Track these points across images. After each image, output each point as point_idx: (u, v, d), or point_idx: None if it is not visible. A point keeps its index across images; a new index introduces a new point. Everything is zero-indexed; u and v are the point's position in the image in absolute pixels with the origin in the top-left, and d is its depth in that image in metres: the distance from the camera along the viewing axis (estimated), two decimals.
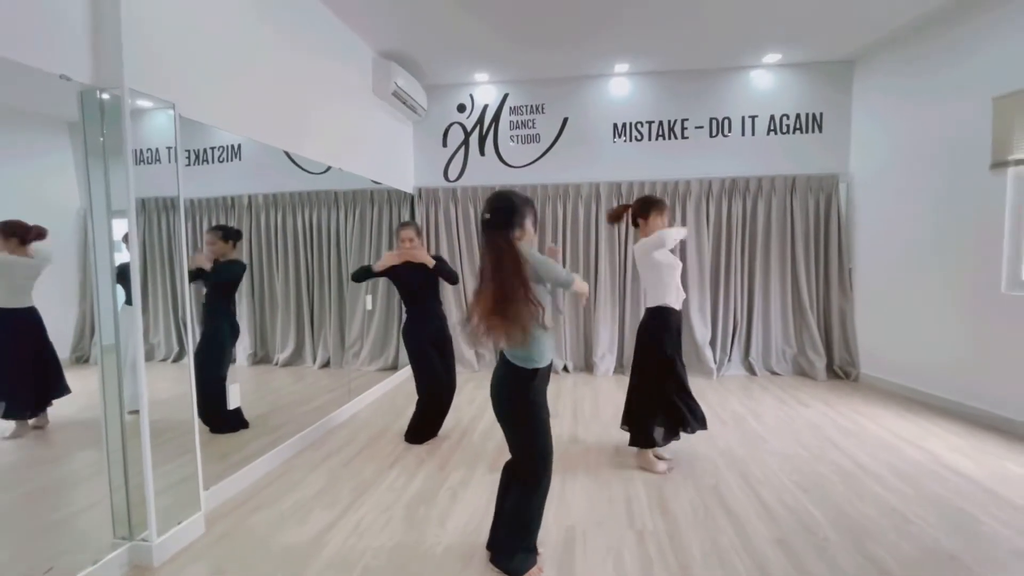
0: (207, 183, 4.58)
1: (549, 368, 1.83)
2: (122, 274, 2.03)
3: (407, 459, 2.96)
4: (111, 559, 1.90)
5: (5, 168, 1.94)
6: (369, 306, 4.82)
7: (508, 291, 1.64)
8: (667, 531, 2.16)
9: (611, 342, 4.92)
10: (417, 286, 3.28)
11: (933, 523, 2.20)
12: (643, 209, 2.77)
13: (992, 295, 3.34)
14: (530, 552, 1.87)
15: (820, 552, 2.00)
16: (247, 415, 3.70)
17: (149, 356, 4.54)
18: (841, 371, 4.57)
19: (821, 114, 4.61)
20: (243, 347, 4.87)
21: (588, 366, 4.99)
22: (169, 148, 4.46)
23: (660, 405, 2.71)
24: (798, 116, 4.64)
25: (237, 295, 4.94)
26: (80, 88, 1.91)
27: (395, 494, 2.53)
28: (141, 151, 4.26)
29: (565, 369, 4.95)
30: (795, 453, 2.95)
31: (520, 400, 1.77)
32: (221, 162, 4.50)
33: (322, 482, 2.70)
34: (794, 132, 4.65)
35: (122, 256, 2.03)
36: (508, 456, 1.91)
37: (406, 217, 5.10)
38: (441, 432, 3.38)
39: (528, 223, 1.81)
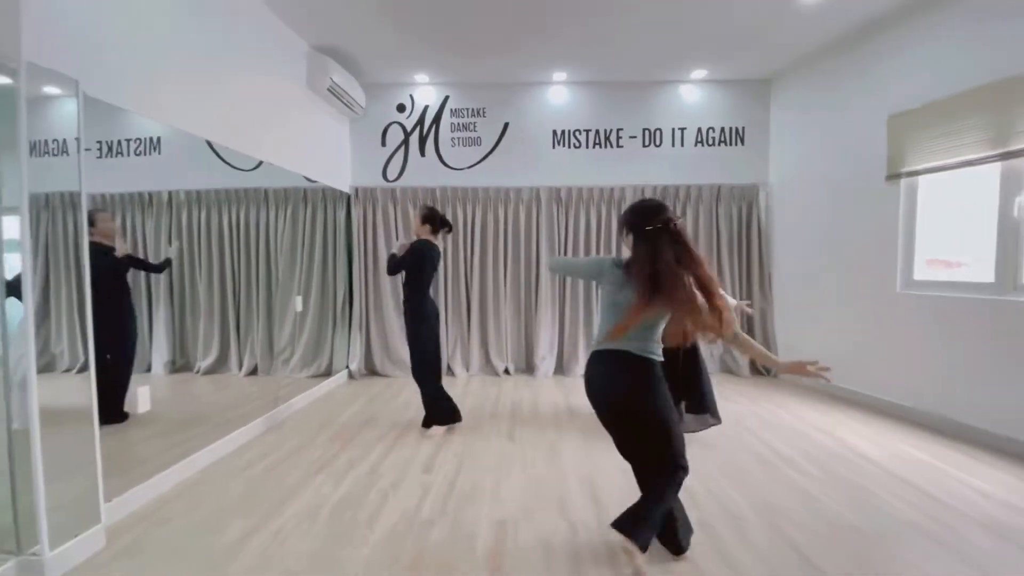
0: (123, 178, 4.24)
1: None
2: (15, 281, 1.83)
3: (336, 464, 2.83)
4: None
5: None
6: (299, 307, 4.60)
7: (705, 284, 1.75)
8: (597, 519, 2.19)
9: (551, 344, 4.98)
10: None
11: (838, 500, 2.37)
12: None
13: (889, 294, 3.68)
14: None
15: (737, 531, 2.10)
16: (162, 423, 3.43)
17: (51, 367, 4.11)
18: (763, 368, 4.86)
19: (743, 128, 4.93)
20: (160, 355, 4.51)
21: (529, 368, 5.01)
22: (78, 138, 4.11)
23: None
24: (723, 129, 4.94)
25: (153, 298, 4.58)
26: None
27: (321, 499, 2.41)
28: (45, 141, 3.90)
29: (506, 371, 4.95)
30: (718, 443, 3.09)
31: (665, 392, 1.84)
32: (138, 155, 4.19)
33: (241, 490, 2.53)
34: (719, 144, 4.95)
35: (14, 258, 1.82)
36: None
37: (341, 217, 4.95)
38: (374, 435, 3.27)
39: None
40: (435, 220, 3.35)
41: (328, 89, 4.14)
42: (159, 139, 4.05)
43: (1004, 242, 2.99)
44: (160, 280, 4.57)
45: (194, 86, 3.04)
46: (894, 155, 3.62)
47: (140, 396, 2.53)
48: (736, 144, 4.95)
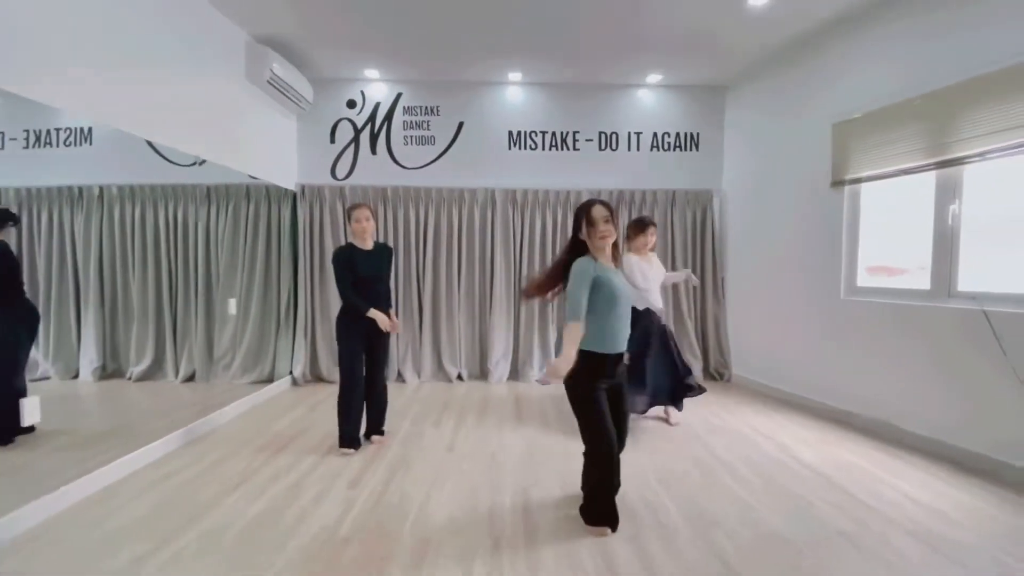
0: (51, 170, 3.95)
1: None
2: None
3: (257, 478, 2.65)
4: None
5: None
6: (233, 310, 4.38)
7: None
8: (525, 536, 2.09)
9: (506, 349, 4.88)
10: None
11: (773, 509, 2.33)
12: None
13: (833, 301, 3.71)
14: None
15: (667, 544, 2.02)
16: (73, 435, 3.18)
17: None
18: (716, 373, 4.87)
19: (698, 134, 4.95)
20: (88, 360, 4.22)
21: (483, 373, 4.89)
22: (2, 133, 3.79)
23: None
24: (678, 135, 4.95)
25: (82, 299, 4.29)
26: None
27: (233, 517, 2.24)
28: None
29: (459, 377, 4.82)
30: (661, 449, 3.03)
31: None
32: (68, 146, 3.91)
33: (147, 508, 2.33)
34: (674, 149, 4.95)
35: None
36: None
37: (286, 215, 4.74)
38: (306, 446, 3.10)
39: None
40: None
41: (268, 81, 3.95)
42: (90, 129, 3.79)
43: (939, 249, 3.04)
44: (90, 280, 4.29)
45: (120, 78, 2.87)
46: (838, 162, 3.66)
47: (28, 407, 2.29)
48: (691, 150, 4.96)
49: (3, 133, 3.69)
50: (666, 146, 4.95)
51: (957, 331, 2.88)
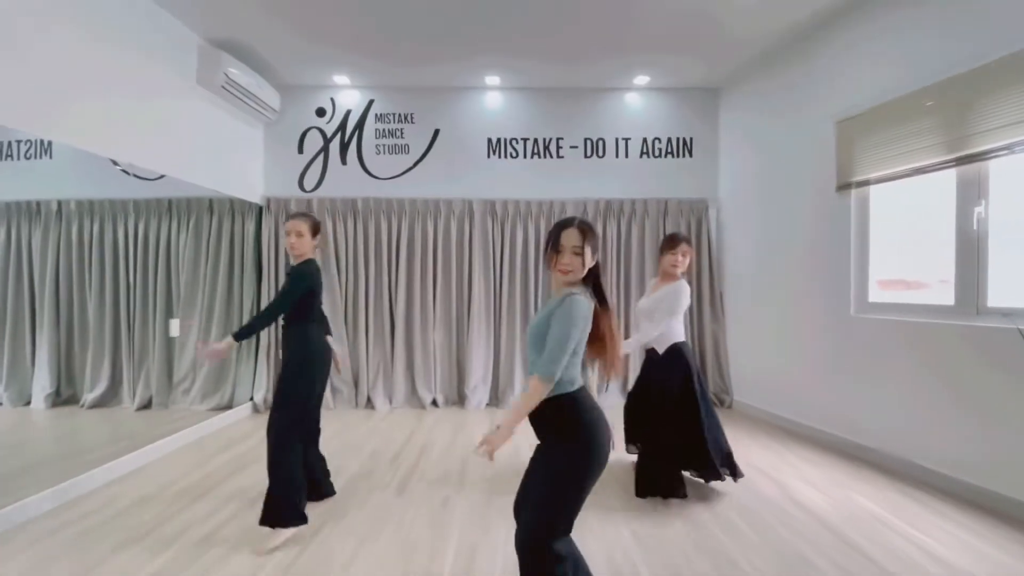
0: (9, 183, 3.73)
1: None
2: None
3: (164, 530, 2.29)
4: None
5: None
6: (175, 332, 4.08)
7: None
8: None
9: (485, 372, 4.50)
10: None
11: (765, 571, 1.90)
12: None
13: (843, 318, 3.29)
14: None
15: None
16: None
17: None
18: (716, 398, 4.43)
19: (691, 139, 4.60)
20: (41, 386, 3.93)
21: (460, 398, 4.51)
22: None
23: None
24: (669, 140, 4.60)
25: (37, 319, 4.02)
26: None
27: None
28: None
29: (434, 403, 4.45)
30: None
31: None
32: (28, 159, 3.69)
33: (29, 564, 1.98)
34: (666, 156, 4.60)
35: None
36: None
37: (251, 229, 4.46)
38: (235, 488, 2.74)
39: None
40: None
41: (223, 86, 3.70)
42: (50, 142, 3.56)
43: (963, 259, 2.63)
44: (46, 299, 4.02)
45: (66, 91, 2.66)
46: (843, 164, 3.27)
47: None
48: (684, 156, 4.61)
49: None
50: (657, 152, 4.60)
51: (987, 353, 2.46)
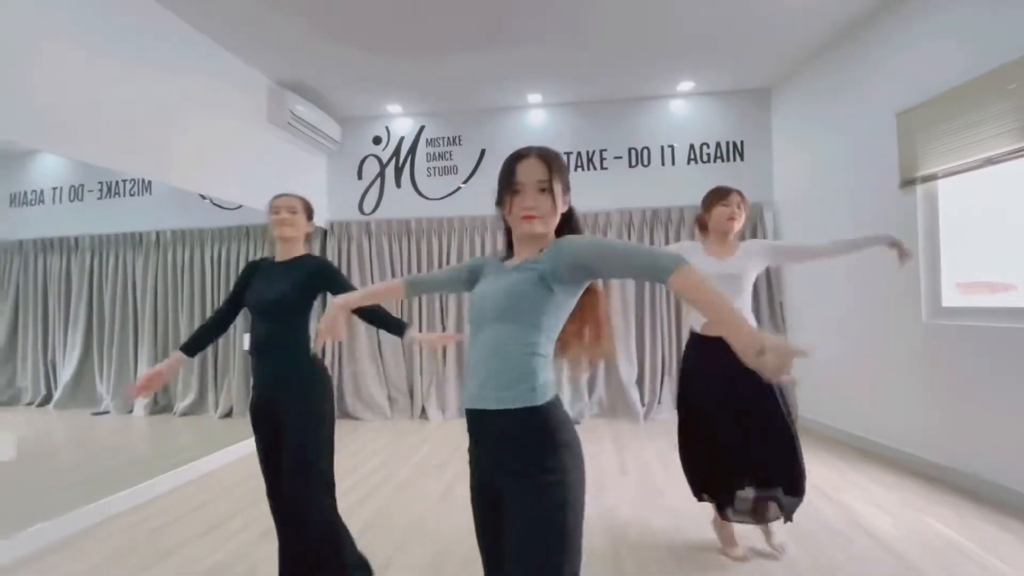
0: (117, 218, 4.35)
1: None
2: None
3: (232, 524, 2.53)
4: None
5: None
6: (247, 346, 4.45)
7: None
8: None
9: None
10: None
11: None
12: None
13: (913, 325, 3.02)
14: None
15: None
16: (84, 465, 3.31)
17: (16, 400, 4.08)
18: None
19: (742, 142, 4.44)
20: (141, 396, 4.47)
21: None
22: (55, 188, 4.22)
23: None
24: (718, 145, 4.47)
25: (139, 336, 4.60)
26: None
27: (183, 569, 2.10)
28: (24, 193, 3.97)
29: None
30: (686, 510, 2.52)
31: None
32: (132, 196, 4.29)
33: (131, 539, 2.27)
34: (715, 161, 4.47)
35: None
36: None
37: (316, 251, 4.84)
38: None
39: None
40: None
41: (289, 123, 4.09)
42: (150, 181, 4.12)
43: None
44: (146, 319, 4.60)
45: (163, 137, 3.11)
46: (906, 158, 3.04)
47: (3, 444, 2.35)
48: (734, 160, 4.45)
49: (83, 186, 4.14)
50: (705, 158, 4.49)
51: None
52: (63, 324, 4.36)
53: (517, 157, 1.10)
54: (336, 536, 1.70)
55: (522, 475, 0.95)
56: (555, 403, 1.00)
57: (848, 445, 3.51)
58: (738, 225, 2.07)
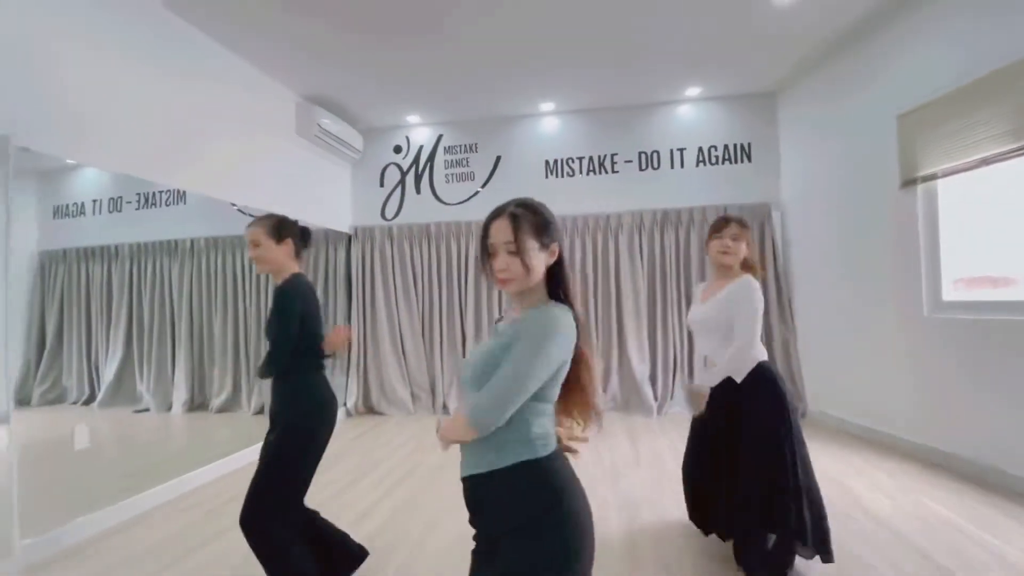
0: (154, 227, 4.64)
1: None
2: None
3: None
4: None
5: None
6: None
7: None
8: None
9: None
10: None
11: (815, 571, 1.94)
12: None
13: (916, 319, 3.14)
14: None
15: None
16: (127, 460, 3.55)
17: (61, 398, 4.41)
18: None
19: (749, 144, 4.59)
20: (179, 394, 4.77)
21: None
22: (95, 200, 4.54)
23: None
24: (726, 147, 4.62)
25: (176, 342, 4.90)
26: None
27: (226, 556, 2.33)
28: (66, 205, 4.31)
29: None
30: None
31: None
32: (168, 206, 4.58)
33: (172, 528, 2.51)
34: (723, 163, 4.62)
35: None
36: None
37: (341, 256, 5.09)
38: (336, 475, 3.17)
39: None
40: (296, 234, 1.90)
41: (316, 135, 4.34)
42: (184, 191, 4.41)
43: None
44: (182, 322, 4.89)
45: (197, 150, 3.33)
46: (907, 159, 3.17)
47: (78, 434, 2.61)
48: (742, 162, 4.59)
49: (121, 198, 4.45)
50: (714, 160, 4.64)
51: None
52: (105, 327, 4.65)
53: (492, 216, 1.09)
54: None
55: (488, 538, 1.01)
56: (534, 465, 0.97)
57: (852, 435, 3.63)
58: (733, 259, 1.99)
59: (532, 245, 1.02)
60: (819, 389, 4.14)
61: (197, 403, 4.90)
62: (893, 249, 3.32)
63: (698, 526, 2.15)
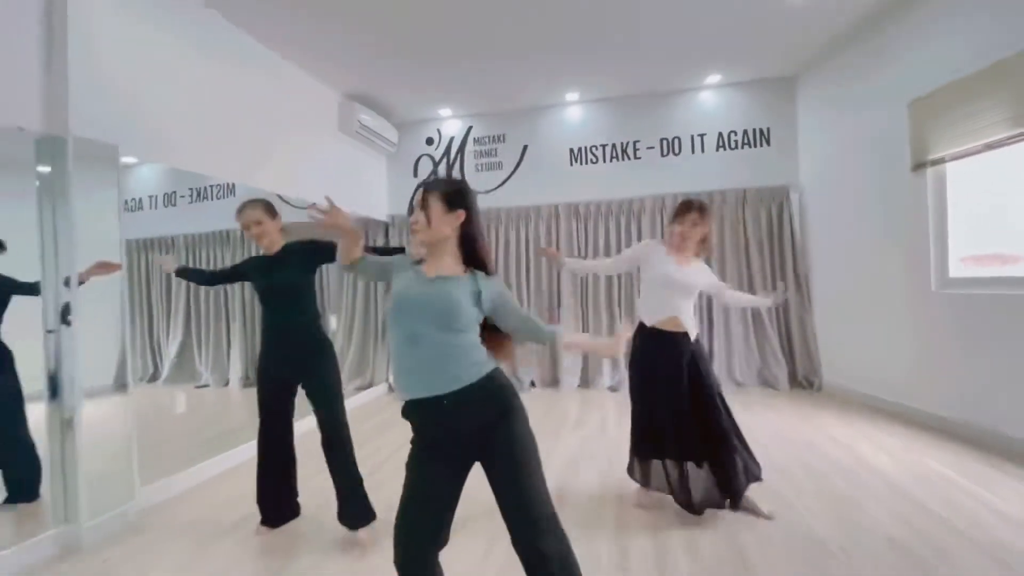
0: (206, 219, 5.07)
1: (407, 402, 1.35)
2: (65, 308, 2.28)
3: (312, 482, 3.14)
4: (45, 537, 2.17)
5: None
6: (333, 326, 5.12)
7: None
8: None
9: (575, 357, 5.04)
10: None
11: (816, 513, 2.23)
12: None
13: (924, 295, 3.34)
14: None
15: (688, 540, 2.07)
16: (218, 424, 3.98)
17: (155, 377, 4.86)
18: (805, 380, 4.53)
19: (768, 128, 4.74)
20: (235, 370, 5.24)
21: (553, 381, 5.10)
22: (151, 196, 4.96)
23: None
24: (745, 132, 4.78)
25: (231, 324, 5.35)
26: (34, 137, 2.30)
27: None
28: (126, 201, 4.80)
29: (532, 384, 5.08)
30: None
31: None
32: (219, 199, 4.99)
33: (222, 499, 2.87)
34: (742, 147, 4.79)
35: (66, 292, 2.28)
36: None
37: (380, 243, 5.44)
38: (384, 443, 3.56)
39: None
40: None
41: (357, 131, 4.66)
42: (234, 184, 4.80)
43: None
44: (236, 306, 5.34)
45: (244, 145, 3.63)
46: (917, 143, 3.33)
47: (178, 401, 3.02)
48: (761, 145, 4.76)
49: (175, 192, 4.87)
50: (733, 144, 4.81)
51: None
52: (165, 312, 5.13)
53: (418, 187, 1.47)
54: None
55: (478, 432, 1.30)
56: (498, 372, 1.34)
57: (863, 404, 3.86)
58: (689, 244, 2.25)
59: (437, 206, 1.34)
60: (833, 361, 4.36)
61: (251, 380, 5.38)
62: (904, 229, 3.50)
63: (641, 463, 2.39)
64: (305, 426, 2.51)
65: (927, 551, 1.91)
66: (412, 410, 1.34)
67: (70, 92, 2.35)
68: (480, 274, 1.37)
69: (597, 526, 2.21)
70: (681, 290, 2.26)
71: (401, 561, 1.29)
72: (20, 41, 2.26)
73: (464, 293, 1.31)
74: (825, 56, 4.21)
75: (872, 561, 1.87)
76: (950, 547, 1.93)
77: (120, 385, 2.59)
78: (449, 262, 1.37)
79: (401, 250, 2.04)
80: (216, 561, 2.10)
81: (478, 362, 1.31)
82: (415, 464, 1.34)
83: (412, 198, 1.20)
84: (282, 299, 2.25)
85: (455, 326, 1.28)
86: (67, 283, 2.30)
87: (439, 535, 1.31)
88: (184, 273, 2.57)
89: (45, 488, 2.39)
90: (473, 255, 1.38)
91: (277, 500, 2.35)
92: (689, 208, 2.27)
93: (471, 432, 1.30)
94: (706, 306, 4.79)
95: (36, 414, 2.40)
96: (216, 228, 5.09)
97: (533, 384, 5.08)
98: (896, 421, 3.44)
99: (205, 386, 5.08)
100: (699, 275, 2.31)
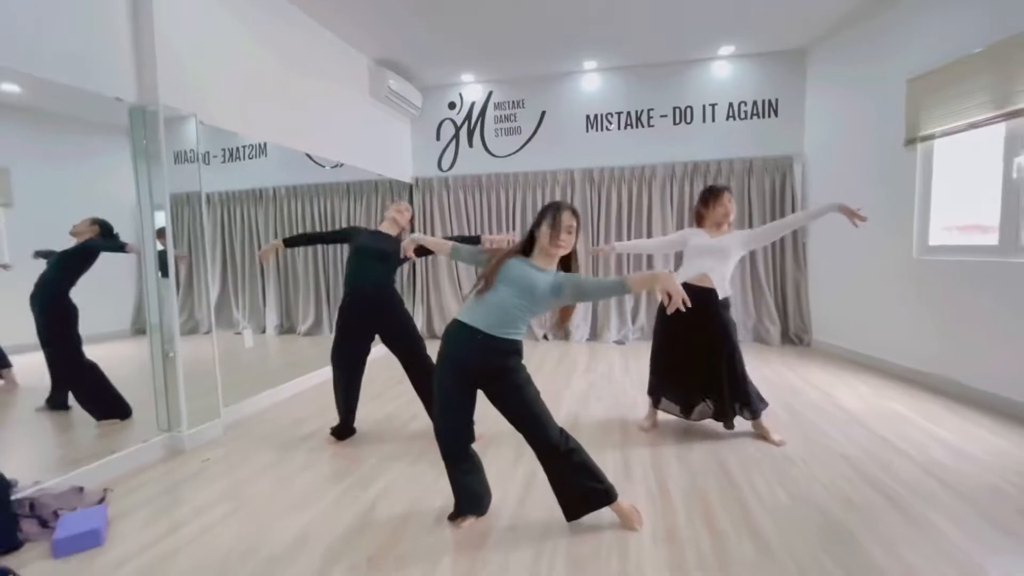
0: (240, 177, 5.43)
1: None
2: (161, 257, 2.72)
3: (386, 395, 3.63)
4: (155, 441, 2.68)
5: (83, 165, 2.73)
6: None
7: None
8: None
9: (585, 312, 5.47)
10: None
11: (787, 438, 2.68)
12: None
13: (906, 261, 3.70)
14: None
15: (680, 457, 2.54)
16: (267, 364, 4.46)
17: (196, 329, 5.41)
18: (796, 337, 4.95)
19: (777, 100, 4.96)
20: (271, 319, 5.72)
21: (566, 334, 5.55)
22: (188, 152, 5.32)
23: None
24: (755, 103, 5.01)
25: (266, 277, 5.77)
26: (128, 106, 2.65)
27: (365, 417, 3.21)
28: (184, 152, 5.10)
29: (544, 337, 5.53)
30: None
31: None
32: (251, 159, 5.34)
33: (312, 408, 3.42)
34: (751, 117, 5.03)
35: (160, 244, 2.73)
36: None
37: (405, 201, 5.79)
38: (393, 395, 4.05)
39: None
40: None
41: (386, 95, 4.93)
42: (265, 145, 5.13)
43: (1008, 205, 2.99)
44: (271, 260, 5.74)
45: (281, 107, 3.93)
46: (911, 120, 3.60)
47: (246, 336, 3.48)
48: (769, 116, 5.00)
49: (208, 152, 5.20)
50: (743, 115, 5.05)
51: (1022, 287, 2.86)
52: (203, 265, 5.56)
53: (559, 207, 1.80)
54: None
55: (497, 372, 1.80)
56: (519, 342, 1.82)
57: (848, 360, 4.29)
58: (732, 216, 2.70)
59: (576, 234, 1.84)
60: (822, 322, 4.77)
61: (286, 328, 5.88)
62: (894, 200, 3.82)
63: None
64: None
65: (874, 466, 2.36)
66: (455, 328, 1.83)
67: (158, 65, 2.69)
68: (562, 272, 1.83)
69: (605, 445, 2.68)
70: (715, 253, 2.62)
71: (444, 452, 1.87)
72: (112, 20, 2.59)
73: (546, 283, 1.76)
74: (836, 30, 4.40)
75: (825, 469, 2.33)
76: (893, 462, 2.38)
77: (205, 330, 3.06)
78: (550, 261, 1.84)
79: (477, 239, 2.82)
80: (295, 461, 2.59)
81: (519, 331, 1.79)
82: (439, 378, 1.84)
83: (557, 214, 1.81)
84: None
85: (526, 296, 1.75)
86: (160, 234, 2.71)
87: (466, 432, 1.87)
88: (294, 242, 3.15)
89: (149, 406, 2.87)
90: (567, 262, 1.88)
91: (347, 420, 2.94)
92: (722, 190, 2.70)
93: (478, 366, 1.78)
94: None
95: (140, 349, 2.85)
96: (249, 186, 5.46)
97: (546, 337, 5.54)
98: (875, 373, 3.87)
99: (240, 334, 5.58)
100: (731, 238, 2.65)
